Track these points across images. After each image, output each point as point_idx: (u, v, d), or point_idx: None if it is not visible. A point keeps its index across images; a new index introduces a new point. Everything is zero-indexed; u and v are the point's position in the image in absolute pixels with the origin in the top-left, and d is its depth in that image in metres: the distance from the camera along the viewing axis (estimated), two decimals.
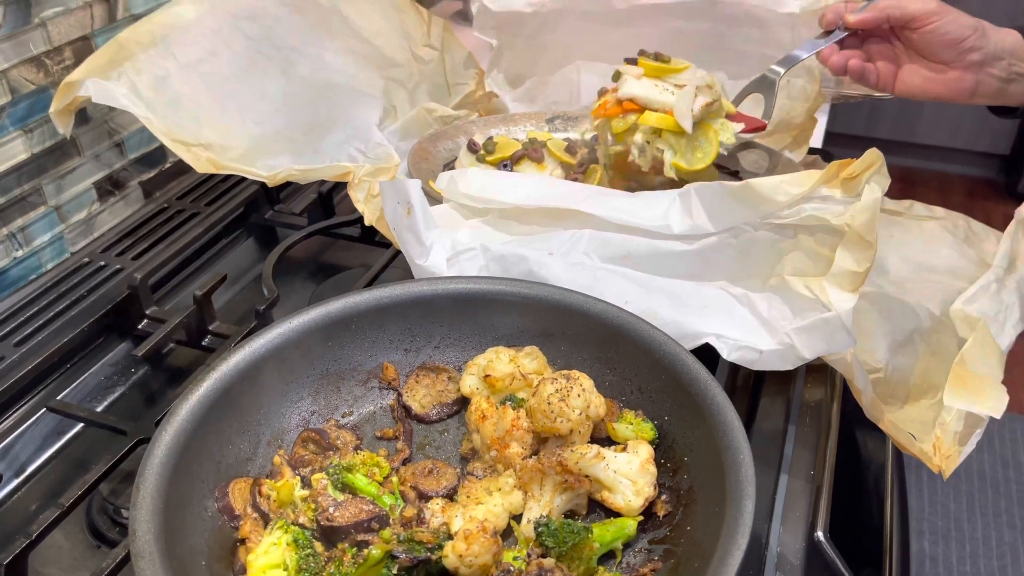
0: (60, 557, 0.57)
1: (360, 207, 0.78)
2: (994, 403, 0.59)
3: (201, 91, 0.85)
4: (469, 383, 0.59)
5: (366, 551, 0.46)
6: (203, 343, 0.75)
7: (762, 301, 0.61)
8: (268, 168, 0.81)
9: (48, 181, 0.84)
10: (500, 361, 0.58)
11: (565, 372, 0.55)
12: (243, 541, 0.50)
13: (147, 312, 0.77)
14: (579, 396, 0.53)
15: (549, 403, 0.53)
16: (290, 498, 0.51)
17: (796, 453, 0.64)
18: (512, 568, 0.47)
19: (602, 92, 0.82)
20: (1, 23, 0.76)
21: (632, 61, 0.80)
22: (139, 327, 0.77)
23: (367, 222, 0.77)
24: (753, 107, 0.84)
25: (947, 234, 0.84)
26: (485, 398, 0.57)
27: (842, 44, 0.80)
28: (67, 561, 0.57)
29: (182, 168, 1.01)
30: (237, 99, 0.87)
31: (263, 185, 0.94)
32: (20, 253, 0.83)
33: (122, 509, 0.59)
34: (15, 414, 0.67)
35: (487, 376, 0.57)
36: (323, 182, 0.90)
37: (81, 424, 0.67)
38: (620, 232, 0.65)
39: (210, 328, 0.75)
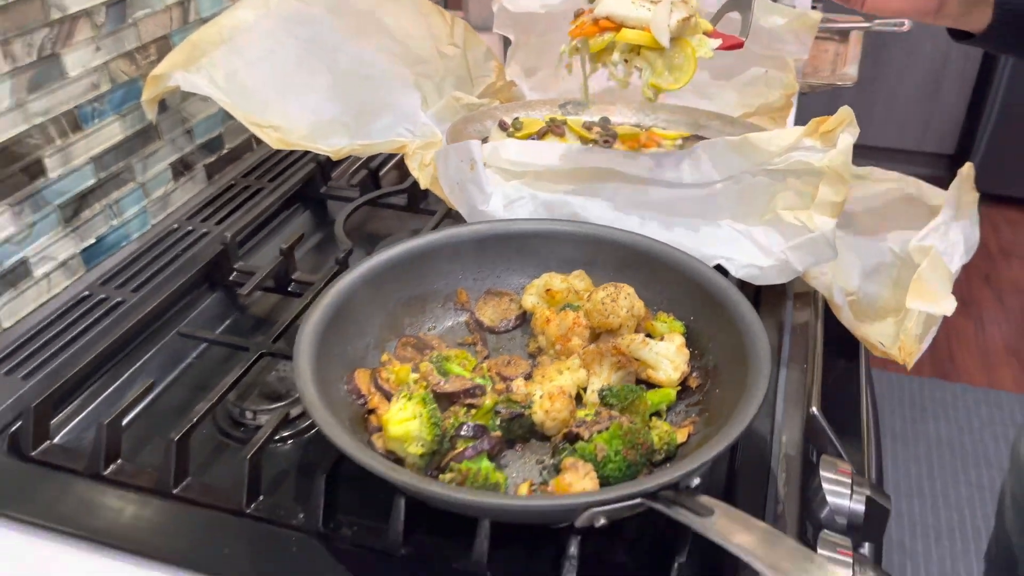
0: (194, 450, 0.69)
1: (415, 174, 0.92)
2: (945, 306, 0.75)
3: (264, 83, 0.98)
4: (530, 300, 0.74)
5: (477, 403, 0.60)
6: (288, 289, 0.88)
7: (760, 232, 0.76)
8: (329, 146, 0.95)
9: (136, 160, 0.97)
10: (555, 281, 0.73)
11: (612, 283, 0.70)
12: (371, 412, 0.63)
13: (236, 266, 0.90)
14: (625, 299, 0.68)
15: (602, 304, 0.68)
16: (405, 378, 0.64)
17: (791, 356, 0.79)
18: (585, 420, 0.62)
19: (578, 13, 0.81)
20: (104, 22, 0.89)
21: None
22: (230, 279, 0.89)
23: (423, 186, 0.91)
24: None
25: (902, 194, 1.00)
26: (546, 308, 0.71)
27: None
28: (201, 457, 0.69)
29: (236, 154, 1.14)
30: (294, 91, 1.01)
31: (318, 164, 1.08)
32: (115, 222, 0.95)
33: (247, 412, 0.72)
34: (144, 341, 0.80)
35: (548, 290, 0.72)
36: (372, 160, 1.04)
37: (204, 345, 0.80)
38: (642, 184, 0.80)
39: (293, 277, 0.88)
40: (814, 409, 0.72)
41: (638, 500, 0.51)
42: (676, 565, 0.55)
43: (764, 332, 0.63)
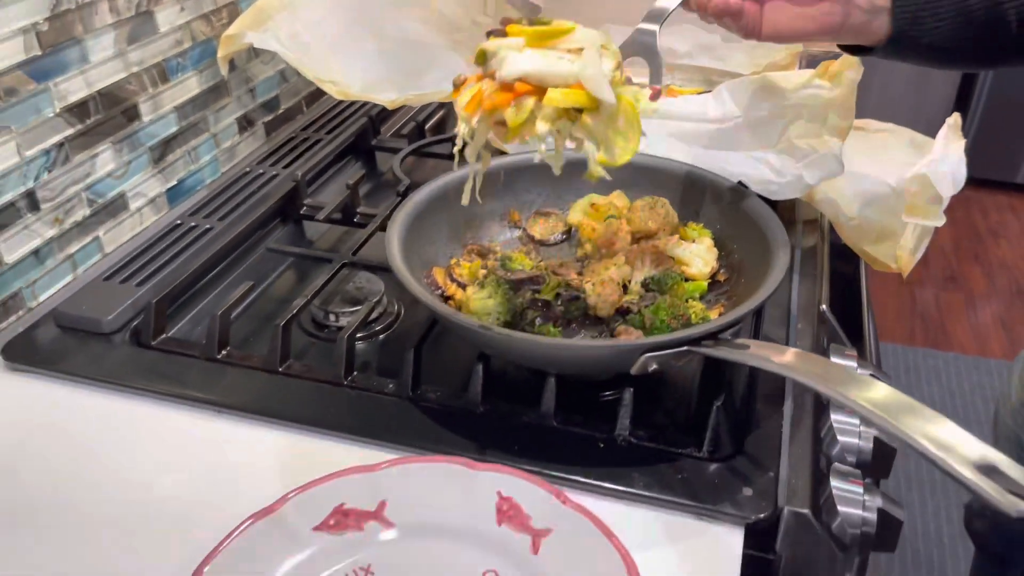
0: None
1: None
2: (936, 220, 0.87)
3: (323, 44, 1.09)
4: (576, 216, 0.85)
5: (540, 289, 0.71)
6: (354, 220, 0.99)
7: (775, 158, 0.88)
8: (385, 98, 1.06)
9: (210, 113, 1.08)
10: (598, 199, 0.84)
11: (650, 195, 0.81)
12: (448, 299, 0.74)
13: (305, 202, 1.01)
14: (662, 207, 0.79)
15: (642, 211, 0.79)
16: (475, 273, 0.75)
17: (802, 272, 0.91)
18: (632, 307, 0.73)
19: (459, 82, 0.63)
20: None
21: (499, 33, 0.62)
22: (301, 212, 1.00)
23: None
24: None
25: (897, 140, 1.12)
26: (591, 220, 0.82)
27: None
28: (294, 351, 0.80)
29: (290, 115, 1.25)
30: (346, 53, 1.12)
31: (369, 119, 1.19)
32: (192, 167, 1.06)
33: (330, 314, 0.83)
34: (235, 258, 0.91)
35: (592, 204, 0.83)
36: (418, 114, 1.15)
37: (289, 261, 0.90)
38: (670, 119, 0.91)
39: (358, 210, 0.99)
40: (824, 306, 0.83)
41: (685, 348, 0.62)
42: (714, 408, 0.66)
43: (781, 226, 0.74)
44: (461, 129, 0.62)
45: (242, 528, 0.55)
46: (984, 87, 3.07)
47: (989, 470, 0.44)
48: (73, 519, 0.62)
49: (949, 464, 0.44)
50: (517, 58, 0.58)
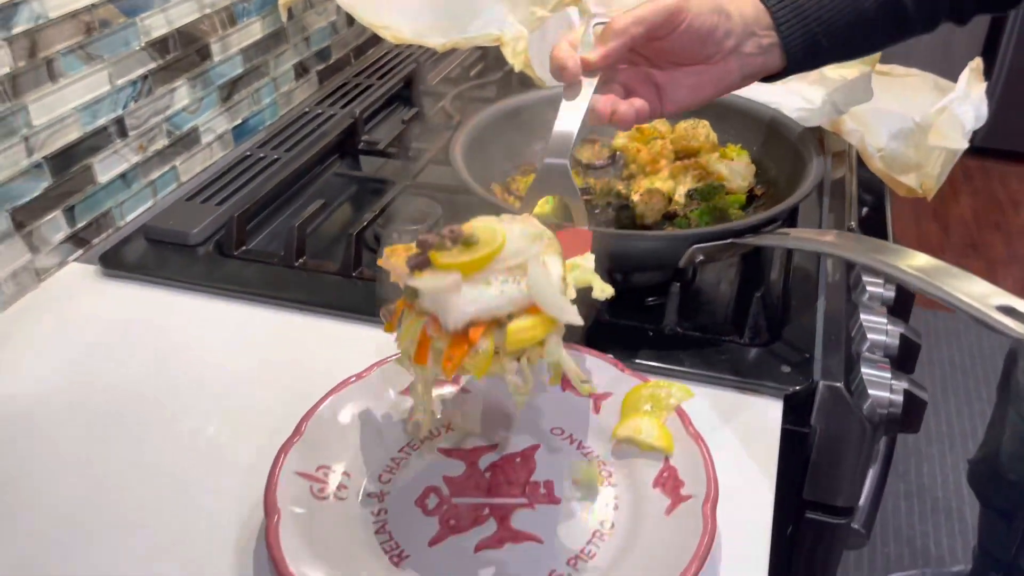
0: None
1: (511, 60, 1.09)
2: (959, 143, 0.92)
3: None
4: (620, 141, 0.91)
5: (591, 198, 0.78)
6: (409, 154, 1.06)
7: (808, 88, 0.94)
8: (435, 42, 1.13)
9: (271, 57, 1.15)
10: (642, 125, 0.90)
11: (692, 119, 0.87)
12: None
13: (363, 138, 1.08)
14: (703, 127, 0.86)
15: (685, 131, 0.85)
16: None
17: (832, 196, 0.97)
18: (678, 212, 0.79)
19: (389, 313, 0.56)
20: None
21: (421, 260, 0.51)
22: (359, 147, 1.07)
23: (516, 69, 1.08)
24: None
25: (921, 84, 1.18)
26: (636, 142, 0.89)
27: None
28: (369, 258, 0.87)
29: (340, 65, 1.32)
30: (395, 5, 1.19)
31: (417, 65, 1.26)
32: (255, 108, 1.13)
33: (393, 233, 0.90)
34: (303, 184, 0.98)
35: (638, 127, 0.89)
36: (465, 57, 1.22)
37: (353, 187, 0.98)
38: None
39: (412, 144, 1.06)
40: (852, 223, 0.89)
41: (730, 240, 0.68)
42: (754, 298, 0.73)
43: (815, 139, 0.80)
44: (414, 385, 0.57)
45: (341, 387, 0.62)
46: (1006, 59, 3.09)
47: (1010, 311, 0.50)
48: (171, 402, 0.69)
49: (977, 308, 0.51)
50: (459, 303, 0.50)
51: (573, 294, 0.54)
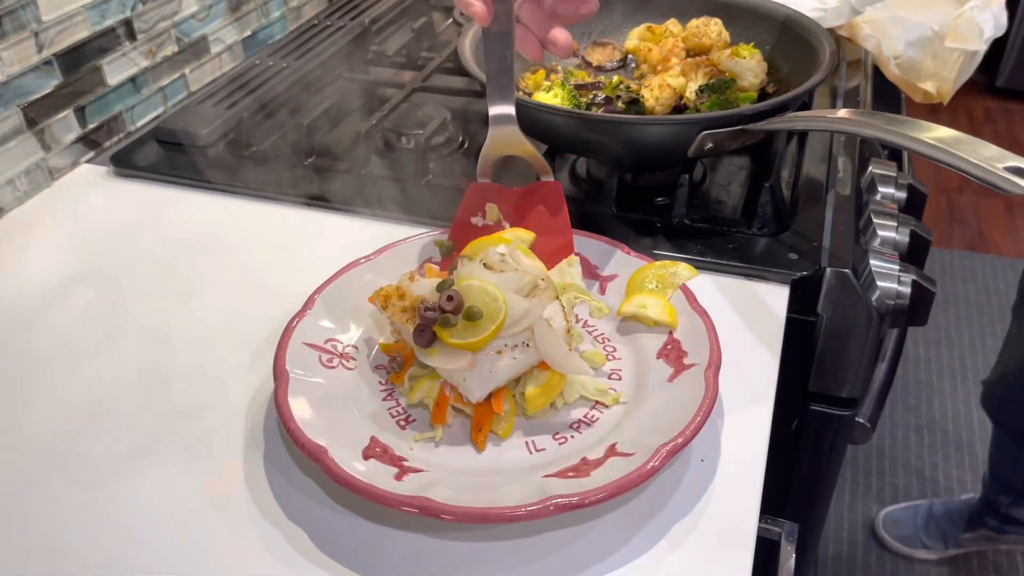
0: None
1: None
2: (977, 45, 0.91)
3: None
4: (632, 42, 0.90)
5: (605, 86, 0.77)
6: (418, 63, 1.05)
7: None
8: None
9: None
10: (654, 25, 0.89)
11: (704, 17, 0.86)
12: None
13: (372, 48, 1.08)
14: (715, 25, 0.84)
15: (696, 28, 0.84)
16: (540, 80, 0.81)
17: (846, 105, 0.95)
18: (688, 104, 0.78)
19: (396, 365, 0.58)
20: None
21: (429, 339, 0.54)
22: (368, 57, 1.07)
23: None
24: None
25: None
26: (648, 42, 0.88)
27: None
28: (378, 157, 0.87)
29: None
30: None
31: None
32: (264, 21, 1.12)
33: (402, 136, 0.89)
34: (313, 90, 0.98)
35: (649, 28, 0.88)
36: None
37: (365, 88, 0.97)
38: None
39: (422, 53, 1.05)
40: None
41: (739, 127, 0.68)
42: (764, 188, 0.72)
43: (827, 32, 0.79)
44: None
45: (350, 267, 0.63)
46: None
47: (1019, 172, 0.50)
48: (185, 293, 0.70)
49: (987, 169, 0.50)
50: (477, 380, 0.53)
51: (580, 338, 0.59)
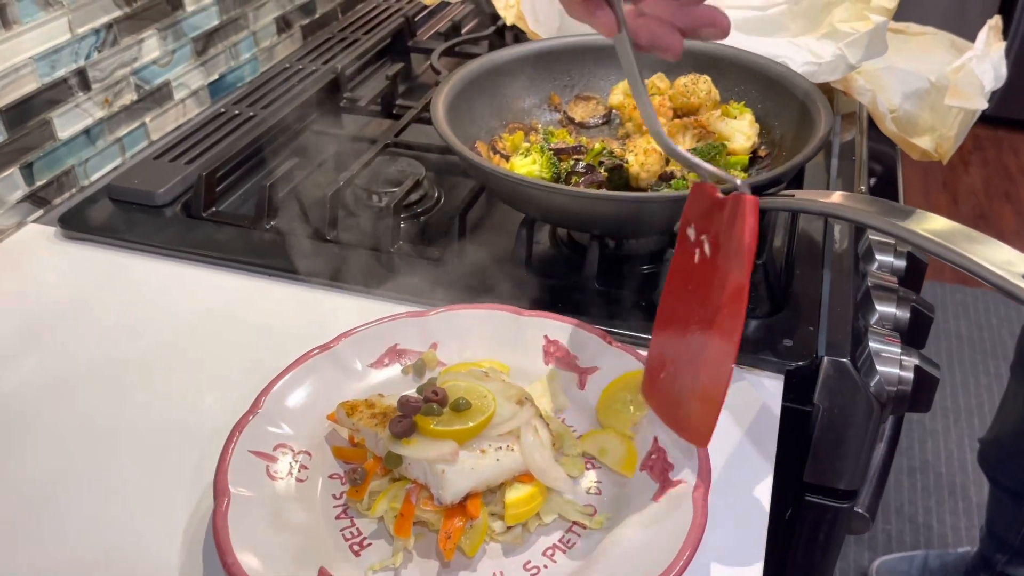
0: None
1: (502, 13, 1.03)
2: (978, 103, 0.86)
3: None
4: (616, 98, 0.85)
5: (585, 155, 0.72)
6: (393, 112, 1.00)
7: (816, 44, 0.87)
8: None
9: (250, 9, 1.09)
10: None
11: (692, 73, 0.81)
12: None
13: (345, 95, 1.02)
14: (704, 83, 0.80)
15: (685, 87, 0.79)
16: (519, 143, 0.76)
17: (841, 159, 0.91)
18: (676, 172, 0.74)
19: (358, 478, 0.51)
20: None
21: (404, 423, 0.49)
22: (341, 104, 1.02)
23: (508, 23, 1.02)
24: None
25: (937, 43, 1.11)
26: (633, 100, 0.83)
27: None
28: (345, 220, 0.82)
29: (326, 20, 1.26)
30: None
31: (405, 19, 1.19)
32: (233, 63, 1.07)
33: (373, 195, 0.84)
34: (280, 143, 0.92)
35: None
36: (456, 12, 1.15)
37: (334, 143, 0.92)
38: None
39: (396, 102, 1.00)
40: (863, 187, 0.84)
41: None
42: (756, 265, 0.67)
43: (822, 94, 0.74)
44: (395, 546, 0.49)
45: (304, 359, 0.58)
46: (1020, 26, 3.00)
47: None
48: (129, 372, 0.65)
49: (1001, 276, 0.45)
50: (457, 475, 0.48)
51: (578, 451, 0.54)
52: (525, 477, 0.50)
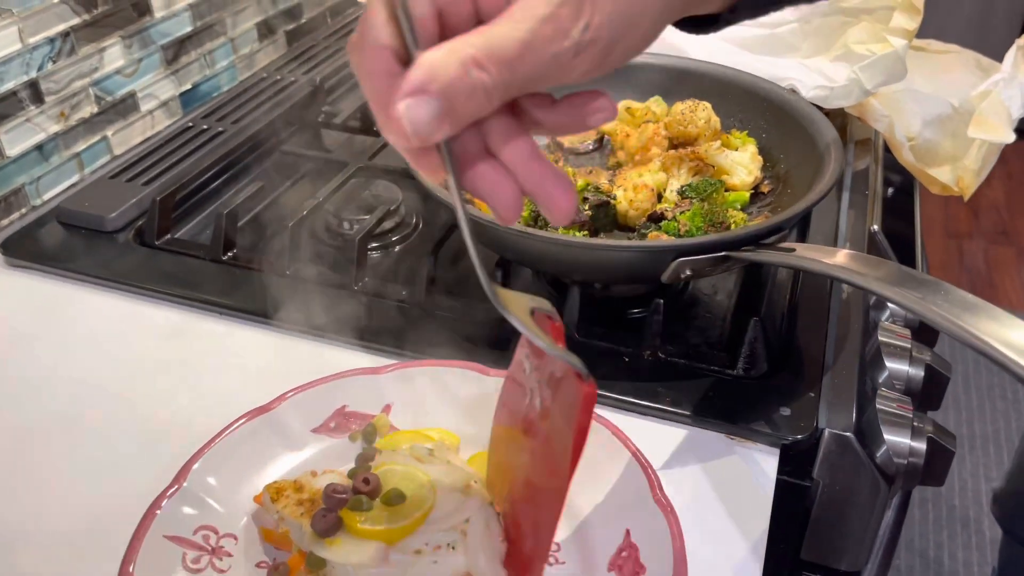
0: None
1: None
2: (1005, 135, 0.79)
3: None
4: (609, 124, 0.78)
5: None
6: (373, 128, 0.93)
7: (829, 66, 0.80)
8: None
9: (227, 15, 1.02)
10: (634, 105, 0.77)
11: (691, 99, 0.74)
12: (468, 203, 0.69)
13: (323, 108, 0.96)
14: (703, 111, 0.73)
15: (682, 114, 0.72)
16: None
17: (853, 190, 0.84)
18: (666, 213, 0.67)
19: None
20: None
21: (331, 526, 0.44)
22: (318, 119, 0.95)
23: None
24: None
25: (961, 62, 1.03)
26: (626, 125, 0.76)
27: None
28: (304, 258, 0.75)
29: (313, 26, 1.19)
30: None
31: None
32: (208, 72, 1.01)
33: (344, 222, 0.78)
34: (248, 162, 0.86)
35: (628, 109, 0.76)
36: None
37: (305, 167, 0.86)
38: None
39: None
40: (875, 227, 0.77)
41: (723, 253, 0.56)
42: (752, 323, 0.61)
43: (833, 128, 0.67)
44: None
45: (235, 426, 0.51)
46: None
47: None
48: (60, 418, 0.59)
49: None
50: None
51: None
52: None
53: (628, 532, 0.47)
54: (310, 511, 0.44)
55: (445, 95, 0.30)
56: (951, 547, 1.71)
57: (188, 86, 0.98)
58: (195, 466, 0.49)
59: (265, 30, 1.10)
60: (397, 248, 0.77)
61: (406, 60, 0.32)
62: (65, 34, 0.81)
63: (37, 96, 0.79)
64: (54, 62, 0.80)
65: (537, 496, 0.42)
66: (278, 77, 1.01)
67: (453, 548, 0.43)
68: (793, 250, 0.53)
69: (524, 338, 0.42)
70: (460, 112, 0.31)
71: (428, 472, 0.45)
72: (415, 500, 0.43)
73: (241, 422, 0.51)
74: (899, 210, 0.92)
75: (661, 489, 0.48)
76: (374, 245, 0.76)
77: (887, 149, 0.92)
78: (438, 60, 0.31)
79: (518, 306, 0.38)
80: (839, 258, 0.49)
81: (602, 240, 0.62)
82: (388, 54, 0.32)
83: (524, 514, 0.43)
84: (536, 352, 0.42)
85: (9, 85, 0.76)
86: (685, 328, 0.67)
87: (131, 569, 0.43)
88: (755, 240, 0.56)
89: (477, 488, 0.45)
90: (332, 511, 0.42)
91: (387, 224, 0.78)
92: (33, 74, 0.78)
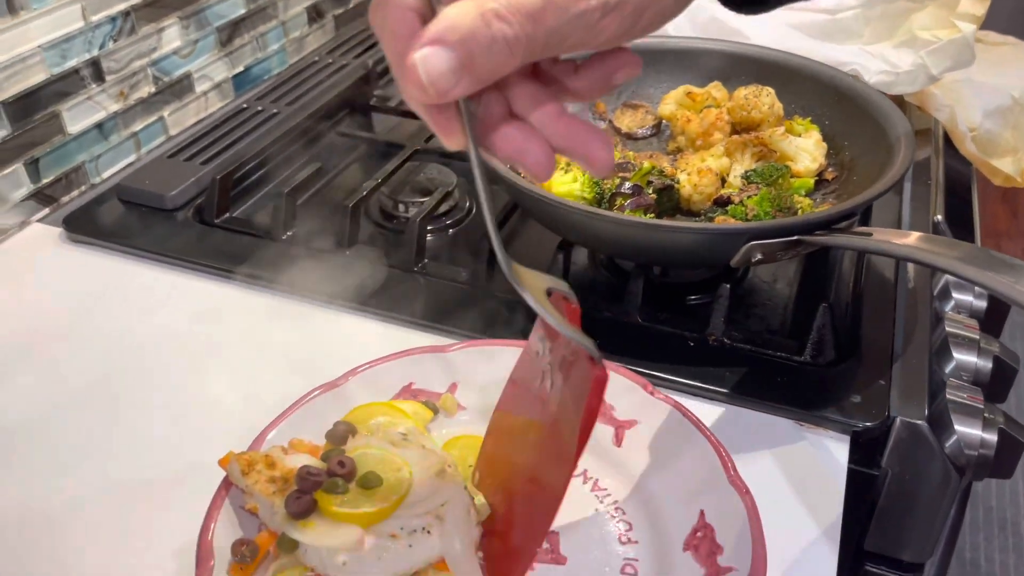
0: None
1: None
2: None
3: None
4: (667, 108, 0.78)
5: (629, 176, 0.65)
6: None
7: (892, 52, 0.79)
8: None
9: None
10: (694, 89, 0.77)
11: (754, 84, 0.73)
12: None
13: (376, 92, 0.96)
14: (767, 96, 0.72)
15: (745, 99, 0.72)
16: (560, 158, 0.69)
17: (915, 180, 0.82)
18: (732, 197, 0.66)
19: (249, 554, 0.43)
20: None
21: (305, 508, 0.42)
22: (371, 102, 0.95)
23: None
24: None
25: (1018, 55, 1.01)
26: (687, 110, 0.75)
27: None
28: (362, 238, 0.75)
29: (361, 10, 1.19)
30: None
31: None
32: (260, 55, 1.02)
33: (399, 204, 0.78)
34: (304, 143, 0.86)
35: (689, 93, 0.76)
36: None
37: (361, 148, 0.86)
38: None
39: None
40: (939, 216, 0.76)
41: (796, 237, 0.55)
42: (820, 309, 0.60)
43: (903, 115, 0.66)
44: None
45: (308, 398, 0.51)
46: None
47: None
48: (125, 392, 0.59)
49: None
50: (361, 569, 0.41)
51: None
52: (440, 565, 0.42)
53: (703, 513, 0.47)
54: (282, 490, 0.43)
55: (464, 45, 0.30)
56: (988, 550, 1.69)
57: (240, 68, 0.99)
58: (270, 435, 0.49)
59: (315, 14, 1.10)
60: (452, 231, 0.77)
61: (429, 20, 0.31)
62: (126, 13, 0.81)
63: (98, 74, 0.80)
64: (115, 41, 0.81)
65: (537, 484, 0.41)
66: (329, 60, 1.01)
67: (428, 532, 0.42)
68: (870, 234, 0.52)
69: (539, 319, 0.41)
70: (480, 66, 0.30)
71: (403, 456, 0.44)
72: (392, 484, 0.42)
73: (316, 393, 0.51)
74: (958, 199, 0.91)
75: (736, 471, 0.47)
76: (430, 228, 0.76)
77: (947, 140, 0.90)
78: (458, 11, 0.30)
79: (534, 284, 0.38)
80: (918, 240, 0.49)
81: (675, 222, 0.62)
82: (412, 15, 0.31)
83: (519, 503, 0.43)
84: (551, 334, 0.42)
85: (72, 63, 0.77)
86: (745, 316, 0.66)
87: (210, 537, 0.43)
88: (827, 225, 0.56)
89: (452, 472, 0.44)
90: (307, 493, 0.41)
91: (443, 208, 0.77)
92: (95, 52, 0.79)
